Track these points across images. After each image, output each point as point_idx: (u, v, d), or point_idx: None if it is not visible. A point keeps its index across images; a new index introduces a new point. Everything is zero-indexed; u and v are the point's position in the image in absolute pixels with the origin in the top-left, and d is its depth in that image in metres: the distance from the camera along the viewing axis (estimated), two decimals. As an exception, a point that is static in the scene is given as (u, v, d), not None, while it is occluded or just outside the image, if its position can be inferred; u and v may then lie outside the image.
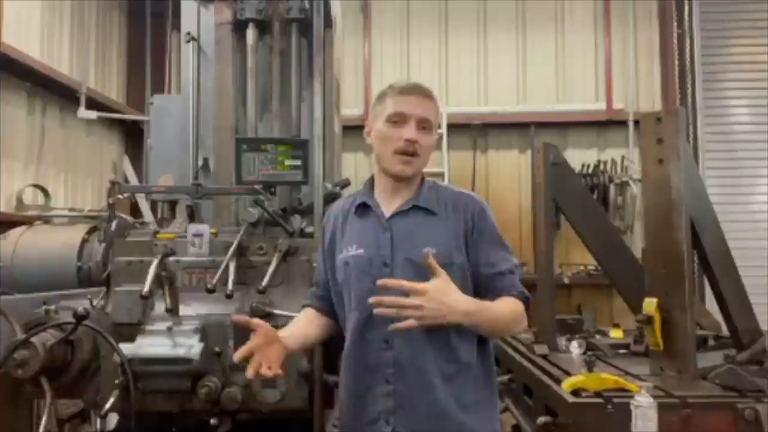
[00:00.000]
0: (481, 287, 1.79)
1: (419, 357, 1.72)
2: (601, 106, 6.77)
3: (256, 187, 2.75)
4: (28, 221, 3.70)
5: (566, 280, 6.30)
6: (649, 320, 2.90)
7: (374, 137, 1.85)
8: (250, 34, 3.07)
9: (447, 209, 1.82)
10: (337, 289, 1.89)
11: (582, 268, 6.36)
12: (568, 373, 2.92)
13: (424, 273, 1.67)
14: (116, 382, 2.29)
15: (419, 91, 1.81)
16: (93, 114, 5.67)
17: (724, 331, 3.54)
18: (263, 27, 3.12)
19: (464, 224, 1.80)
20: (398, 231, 1.80)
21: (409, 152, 1.77)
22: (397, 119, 1.78)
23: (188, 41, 3.14)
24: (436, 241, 1.75)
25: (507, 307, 1.76)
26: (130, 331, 2.45)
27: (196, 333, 2.42)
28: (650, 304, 2.91)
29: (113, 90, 6.56)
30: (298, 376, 2.44)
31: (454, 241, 1.78)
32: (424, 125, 1.78)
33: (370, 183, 1.92)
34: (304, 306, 2.04)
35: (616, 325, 4.18)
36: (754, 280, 4.26)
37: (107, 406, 2.30)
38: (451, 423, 1.71)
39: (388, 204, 1.85)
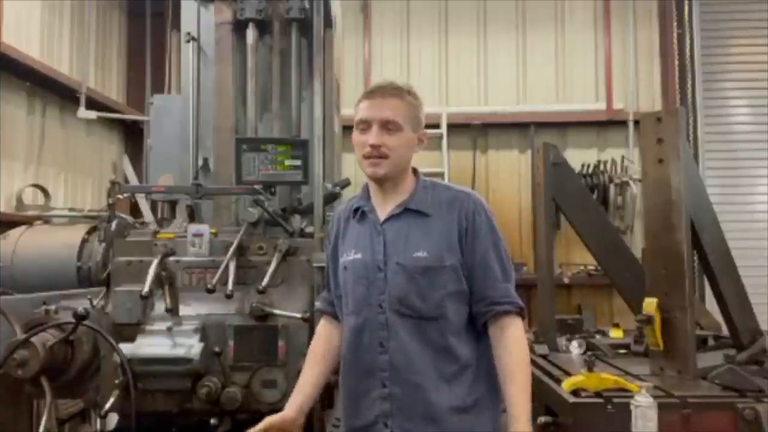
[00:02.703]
0: (474, 292, 1.77)
1: (414, 360, 1.72)
2: (601, 106, 6.75)
3: (256, 187, 2.75)
4: (28, 221, 3.70)
5: (566, 280, 6.29)
6: (649, 320, 2.90)
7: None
8: (250, 34, 3.07)
9: (441, 209, 1.81)
10: (338, 292, 1.90)
11: (582, 268, 6.36)
12: (568, 373, 2.93)
13: (414, 277, 1.73)
14: (116, 382, 2.29)
15: (383, 93, 1.81)
16: (93, 114, 5.67)
17: (724, 331, 3.54)
18: (263, 27, 3.12)
19: (458, 224, 1.78)
20: (391, 235, 1.80)
21: (375, 156, 1.78)
22: (363, 126, 1.80)
23: (188, 41, 3.14)
24: (427, 244, 1.76)
25: (522, 371, 1.71)
26: (130, 331, 2.46)
27: (196, 333, 2.43)
28: (650, 304, 2.91)
29: (113, 90, 6.55)
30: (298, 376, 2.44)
31: (446, 242, 1.76)
32: (389, 126, 1.78)
33: (366, 187, 1.92)
34: (316, 310, 2.05)
35: (616, 325, 4.17)
36: (754, 280, 4.27)
37: (107, 406, 2.30)
38: (448, 425, 1.70)
39: (382, 207, 1.85)
